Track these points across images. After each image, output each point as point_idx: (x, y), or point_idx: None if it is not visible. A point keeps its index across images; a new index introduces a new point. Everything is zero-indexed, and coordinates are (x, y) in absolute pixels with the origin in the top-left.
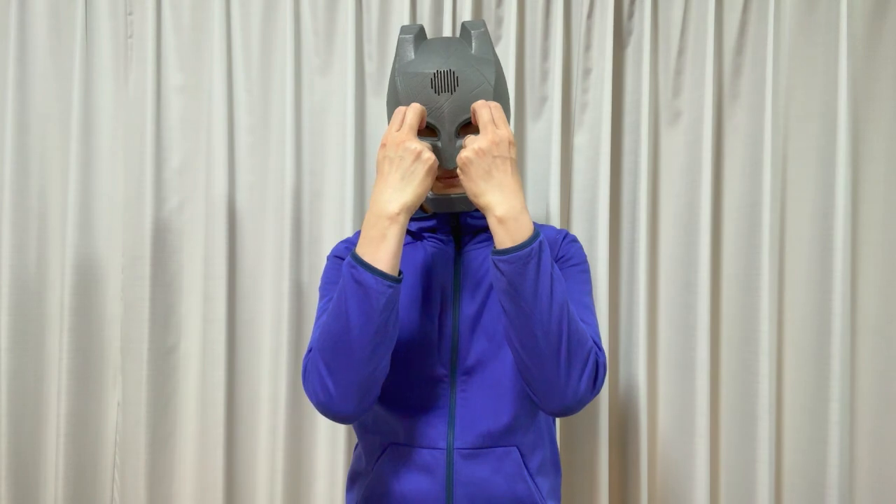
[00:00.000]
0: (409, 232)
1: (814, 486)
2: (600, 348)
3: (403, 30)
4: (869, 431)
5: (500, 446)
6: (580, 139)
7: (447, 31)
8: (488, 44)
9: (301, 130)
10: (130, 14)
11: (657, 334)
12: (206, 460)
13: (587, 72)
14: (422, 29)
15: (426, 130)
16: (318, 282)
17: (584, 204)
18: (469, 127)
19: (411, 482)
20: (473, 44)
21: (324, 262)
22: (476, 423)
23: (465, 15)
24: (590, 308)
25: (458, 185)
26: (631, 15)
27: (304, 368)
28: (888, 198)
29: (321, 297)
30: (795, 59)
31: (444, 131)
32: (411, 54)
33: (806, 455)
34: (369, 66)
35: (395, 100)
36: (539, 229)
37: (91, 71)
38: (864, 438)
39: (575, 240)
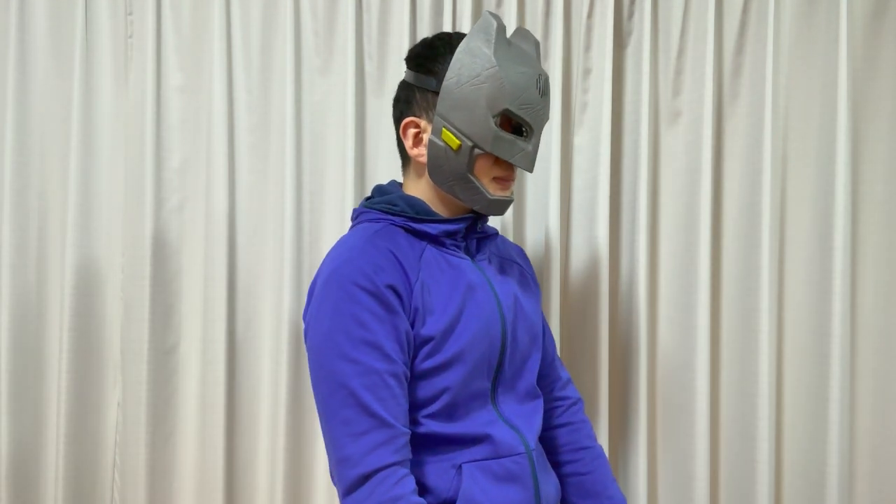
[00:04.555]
0: (427, 235)
1: (814, 486)
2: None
3: (496, 17)
4: (869, 431)
5: (538, 448)
6: (580, 139)
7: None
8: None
9: (301, 130)
10: (130, 14)
11: (657, 334)
12: (206, 460)
13: (587, 72)
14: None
15: (514, 129)
16: None
17: (584, 204)
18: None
19: (501, 496)
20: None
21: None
22: (528, 428)
23: (465, 15)
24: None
25: (510, 186)
26: (631, 15)
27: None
28: (888, 198)
29: (358, 348)
30: (795, 59)
31: (534, 135)
32: (507, 47)
33: (806, 455)
34: (369, 66)
35: (497, 87)
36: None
37: (91, 71)
38: (864, 438)
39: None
